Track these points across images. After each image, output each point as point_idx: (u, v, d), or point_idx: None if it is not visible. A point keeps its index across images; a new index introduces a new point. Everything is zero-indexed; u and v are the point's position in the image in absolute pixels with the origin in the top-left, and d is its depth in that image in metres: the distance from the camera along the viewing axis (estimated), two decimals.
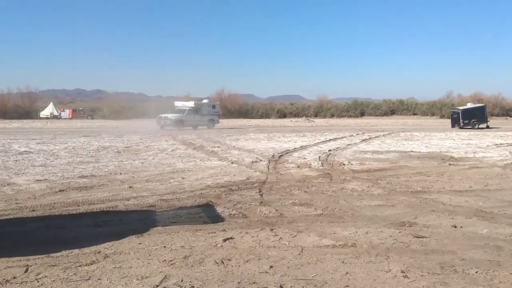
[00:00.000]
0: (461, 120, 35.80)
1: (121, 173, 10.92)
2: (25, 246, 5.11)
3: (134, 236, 5.54)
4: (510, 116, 65.90)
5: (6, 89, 72.42)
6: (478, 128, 35.55)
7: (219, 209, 7.03)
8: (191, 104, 36.93)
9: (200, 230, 5.82)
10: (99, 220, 6.36)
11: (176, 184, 9.47)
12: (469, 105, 39.90)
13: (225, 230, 5.82)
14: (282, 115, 74.09)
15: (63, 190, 8.68)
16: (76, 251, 4.94)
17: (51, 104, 70.24)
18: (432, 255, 4.75)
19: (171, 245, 5.19)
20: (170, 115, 34.90)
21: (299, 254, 4.86)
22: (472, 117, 36.20)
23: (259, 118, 67.33)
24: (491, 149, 17.70)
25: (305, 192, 8.61)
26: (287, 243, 5.26)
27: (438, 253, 4.82)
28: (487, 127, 36.70)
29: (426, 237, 5.43)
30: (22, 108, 69.23)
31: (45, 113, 67.24)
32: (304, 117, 67.34)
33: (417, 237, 5.43)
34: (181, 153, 15.67)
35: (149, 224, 6.13)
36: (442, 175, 10.92)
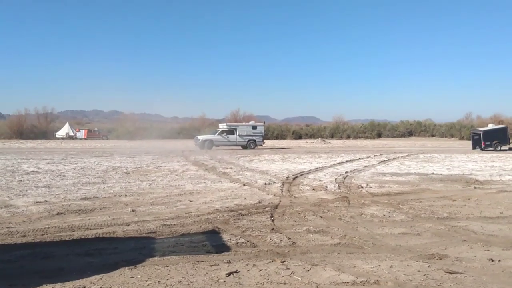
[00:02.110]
0: (482, 142, 34.65)
1: (126, 195, 10.38)
2: (2, 278, 4.53)
3: (127, 268, 4.92)
4: None
5: (24, 109, 73.44)
6: (501, 150, 34.37)
7: (225, 237, 6.39)
8: (224, 126, 37.16)
9: (201, 261, 5.18)
10: (92, 248, 5.77)
11: (183, 207, 8.87)
12: (491, 126, 38.72)
13: (230, 262, 5.17)
14: (298, 136, 73.47)
15: (61, 213, 8.14)
16: (58, 285, 4.34)
17: (67, 125, 70.82)
18: None
19: (167, 280, 4.55)
20: (201, 137, 35.56)
21: None
22: (494, 138, 35.04)
23: (274, 139, 66.74)
24: None
25: (321, 217, 7.92)
26: (299, 279, 4.58)
27: None
28: (510, 149, 35.48)
29: (461, 273, 4.70)
30: (38, 129, 69.91)
31: (60, 133, 67.72)
32: (320, 138, 66.61)
33: (449, 272, 4.70)
34: (192, 175, 15.11)
35: (146, 253, 5.52)
36: (469, 199, 10.14)
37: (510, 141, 36.80)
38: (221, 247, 5.83)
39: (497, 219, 7.83)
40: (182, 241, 6.14)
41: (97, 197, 10.02)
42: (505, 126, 40.29)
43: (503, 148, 34.88)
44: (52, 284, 4.35)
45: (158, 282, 4.48)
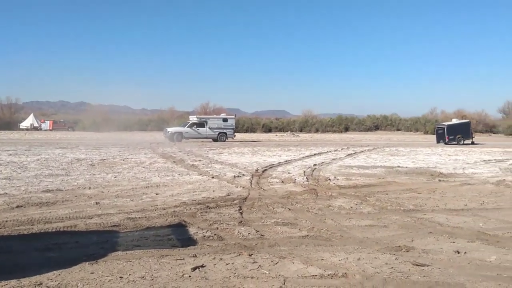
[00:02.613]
0: (446, 136, 35.46)
1: (90, 188, 10.07)
2: None
3: (87, 263, 4.72)
4: (494, 133, 66.16)
5: None
6: (464, 144, 35.28)
7: (191, 230, 6.24)
8: (194, 118, 36.63)
9: (166, 255, 5.03)
10: (51, 242, 5.53)
11: (148, 200, 8.66)
12: (454, 121, 39.64)
13: (196, 256, 5.04)
14: (268, 129, 73.49)
15: (21, 206, 7.80)
16: (13, 282, 4.11)
17: (31, 116, 68.62)
18: None
19: (129, 275, 4.38)
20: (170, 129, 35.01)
21: (280, 287, 4.11)
22: (457, 133, 35.91)
23: (244, 132, 66.55)
24: (479, 165, 17.22)
25: (289, 209, 7.87)
26: (267, 273, 4.50)
27: (443, 286, 4.10)
28: (472, 143, 36.46)
29: (428, 265, 4.71)
30: (1, 119, 67.39)
31: (25, 124, 65.56)
32: (289, 131, 66.86)
33: (417, 265, 4.71)
34: (159, 167, 14.82)
35: (108, 248, 5.32)
36: (434, 192, 10.31)
37: (473, 136, 37.84)
38: (187, 241, 5.69)
39: (462, 211, 7.96)
40: (146, 235, 5.96)
41: (59, 190, 9.67)
42: (468, 121, 41.41)
43: (466, 142, 35.81)
44: (6, 281, 4.12)
45: (120, 277, 4.31)
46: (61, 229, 6.24)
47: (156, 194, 9.41)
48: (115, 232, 6.14)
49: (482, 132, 64.17)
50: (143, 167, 14.58)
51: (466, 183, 11.80)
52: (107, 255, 5.01)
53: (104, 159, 17.18)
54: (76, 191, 9.54)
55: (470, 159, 20.09)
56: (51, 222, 6.64)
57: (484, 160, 19.58)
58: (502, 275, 4.43)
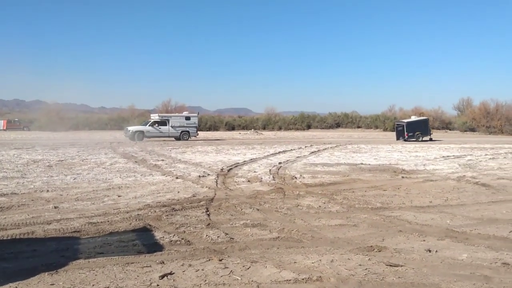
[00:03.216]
0: (405, 133, 36.31)
1: (48, 191, 9.58)
2: None
3: (46, 273, 4.40)
4: (450, 129, 68.42)
5: None
6: (422, 140, 36.20)
7: (158, 235, 5.98)
8: (155, 116, 35.79)
9: (132, 263, 4.76)
10: (6, 251, 5.14)
11: (110, 203, 8.29)
12: (413, 118, 40.64)
13: (163, 262, 4.79)
14: (231, 127, 73.19)
15: None
16: None
17: None
18: None
19: (92, 285, 4.10)
20: (131, 127, 34.05)
21: None
22: (416, 129, 36.82)
23: (207, 131, 66.00)
24: (439, 161, 17.64)
25: (258, 210, 7.72)
26: (239, 279, 4.31)
27: (419, 287, 4.04)
28: (430, 139, 37.48)
29: (401, 266, 4.66)
30: None
31: None
32: (252, 129, 66.80)
33: (390, 265, 4.65)
34: (121, 167, 14.35)
35: (69, 256, 4.99)
36: (398, 188, 10.42)
37: (431, 132, 38.91)
38: (153, 246, 5.42)
39: (428, 208, 8.04)
40: (110, 241, 5.65)
41: (15, 193, 9.15)
42: (426, 118, 42.53)
43: (424, 138, 36.77)
44: None
45: None
46: (17, 237, 5.85)
47: (118, 196, 9.05)
48: (76, 239, 5.80)
49: (439, 129, 66.27)
50: (104, 168, 14.08)
51: (428, 180, 12.00)
52: (68, 264, 4.70)
53: (62, 160, 16.51)
54: (32, 195, 9.05)
55: (430, 156, 20.57)
56: (5, 229, 6.22)
57: (443, 156, 20.09)
58: (475, 273, 4.42)
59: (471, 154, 21.42)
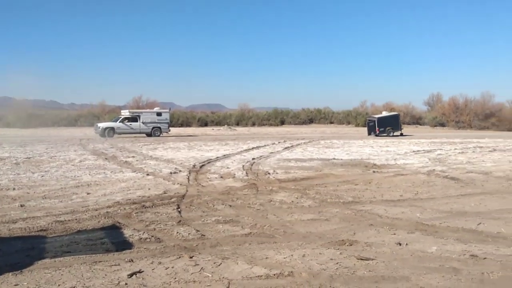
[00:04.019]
0: (377, 128, 36.82)
1: (14, 189, 9.29)
2: None
3: (11, 273, 4.25)
4: (420, 124, 69.69)
5: None
6: (393, 135, 36.81)
7: (127, 232, 5.84)
8: (126, 113, 35.28)
9: (100, 261, 4.63)
10: None
11: (79, 201, 8.09)
12: (384, 114, 41.23)
13: (132, 261, 4.68)
14: (204, 123, 72.67)
15: None
16: None
17: None
18: (384, 284, 3.99)
19: (59, 286, 3.97)
20: (101, 124, 33.51)
21: None
22: (387, 125, 37.40)
23: (179, 127, 65.42)
24: (410, 156, 17.93)
25: (230, 206, 7.65)
26: (210, 275, 4.25)
27: (390, 280, 4.06)
28: (401, 134, 38.15)
29: (372, 259, 4.68)
30: None
31: None
32: (226, 125, 66.57)
33: (361, 259, 4.66)
34: (90, 164, 14.04)
35: (34, 255, 4.83)
36: (370, 183, 10.52)
37: (402, 127, 39.60)
38: (122, 244, 5.30)
39: (398, 202, 8.13)
40: (77, 239, 5.50)
41: None
42: (397, 113, 43.28)
43: (395, 133, 37.41)
44: None
45: None
46: None
47: (87, 194, 8.83)
48: (42, 237, 5.62)
49: (410, 124, 67.43)
50: (73, 165, 13.74)
51: (399, 174, 12.17)
52: (34, 263, 4.54)
53: (30, 157, 16.05)
54: None
55: (400, 150, 20.89)
56: None
57: (413, 151, 20.44)
58: (444, 266, 4.48)
59: (440, 149, 21.87)
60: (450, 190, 9.55)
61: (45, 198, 8.36)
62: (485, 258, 4.76)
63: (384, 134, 36.62)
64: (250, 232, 5.89)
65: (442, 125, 67.21)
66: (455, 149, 21.86)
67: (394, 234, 5.80)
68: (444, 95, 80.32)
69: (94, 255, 4.86)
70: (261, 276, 4.23)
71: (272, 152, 19.51)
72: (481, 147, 23.39)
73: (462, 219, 6.73)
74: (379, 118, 37.98)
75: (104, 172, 12.06)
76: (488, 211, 7.36)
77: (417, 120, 71.58)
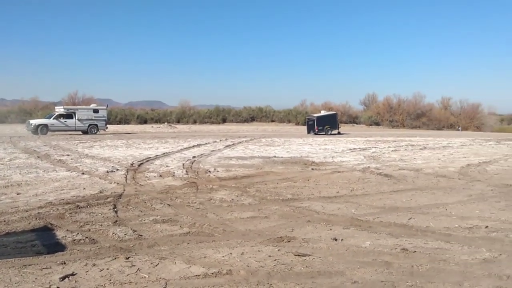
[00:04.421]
0: (316, 127, 37.71)
1: None
2: None
3: None
4: (356, 123, 72.21)
5: None
6: (331, 134, 37.81)
7: (59, 234, 5.61)
8: (60, 109, 33.69)
9: (30, 265, 4.41)
10: None
11: (8, 201, 7.65)
12: (323, 113, 42.23)
13: (64, 263, 4.50)
14: (143, 120, 71.10)
15: None
16: None
17: None
18: (320, 279, 4.09)
19: None
20: (33, 121, 31.87)
21: None
22: (326, 123, 38.39)
23: (117, 124, 63.63)
24: (346, 154, 18.52)
25: (169, 205, 7.54)
26: (147, 276, 4.17)
27: (325, 276, 4.18)
28: (339, 133, 39.30)
29: (309, 255, 4.79)
30: None
31: None
32: (166, 123, 65.52)
33: (299, 255, 4.76)
34: (21, 163, 13.32)
35: None
36: (308, 180, 10.75)
37: (339, 126, 40.79)
38: (54, 246, 5.08)
39: (335, 198, 8.38)
40: (6, 242, 5.21)
41: None
42: (335, 112, 44.53)
43: (333, 132, 38.45)
44: None
45: None
46: None
47: (18, 194, 8.38)
48: None
49: (347, 123, 69.67)
50: (2, 164, 12.98)
51: (336, 171, 12.53)
52: None
53: None
54: None
55: (338, 148, 21.52)
56: None
57: (350, 149, 21.12)
58: (377, 260, 4.67)
59: (375, 147, 22.75)
60: (384, 186, 9.97)
61: None
62: (414, 252, 5.01)
63: (323, 133, 37.55)
64: (189, 231, 5.84)
65: (377, 124, 69.96)
66: (389, 147, 22.83)
67: (331, 229, 5.97)
68: (379, 95, 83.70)
69: (23, 258, 4.62)
70: (199, 275, 4.21)
71: (213, 150, 19.44)
72: (413, 145, 24.60)
73: (394, 214, 7.04)
74: (318, 117, 38.88)
75: (36, 171, 11.49)
76: (418, 206, 7.76)
77: (353, 119, 74.03)
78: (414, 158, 16.75)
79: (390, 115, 69.75)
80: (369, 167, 13.52)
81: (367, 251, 5.00)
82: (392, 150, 20.64)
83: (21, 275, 4.18)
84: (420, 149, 21.87)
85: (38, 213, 6.75)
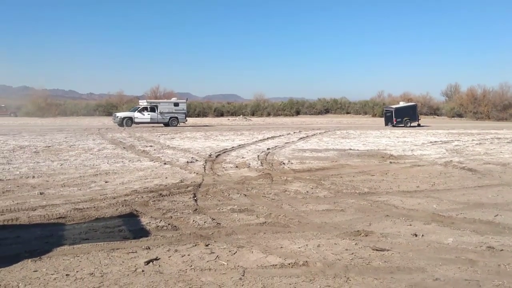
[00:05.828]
0: (394, 119, 36.51)
1: (34, 177, 9.47)
2: None
3: (30, 260, 4.35)
4: (437, 115, 68.90)
5: None
6: (410, 126, 36.43)
7: (144, 220, 5.94)
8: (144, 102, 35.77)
9: (117, 249, 4.72)
10: None
11: (97, 189, 8.22)
12: (402, 104, 40.81)
13: (149, 248, 4.76)
14: (220, 113, 72.90)
15: None
16: None
17: None
18: (399, 274, 3.99)
19: (77, 272, 4.06)
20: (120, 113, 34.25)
21: (240, 278, 3.93)
22: (405, 115, 37.03)
23: (196, 117, 65.72)
24: (427, 147, 17.75)
25: (245, 195, 7.70)
26: (225, 264, 4.30)
27: (405, 271, 4.06)
28: (419, 125, 37.76)
29: (387, 250, 4.68)
30: None
31: None
32: (241, 115, 66.63)
33: (377, 250, 4.67)
34: (108, 153, 14.23)
35: (53, 242, 4.93)
36: (386, 174, 10.45)
37: (419, 118, 39.13)
38: (139, 232, 5.39)
39: (415, 193, 8.08)
40: (95, 227, 5.60)
41: (0, 180, 9.02)
42: (414, 103, 42.73)
43: (412, 124, 37.01)
44: None
45: (66, 275, 3.98)
46: (1, 223, 5.77)
47: (106, 182, 8.97)
48: (61, 225, 5.73)
49: (427, 115, 66.65)
50: (91, 154, 13.94)
51: (416, 165, 12.07)
52: (52, 250, 4.64)
53: (49, 146, 16.32)
54: (18, 181, 8.94)
55: (417, 141, 20.69)
56: None
57: (430, 142, 20.23)
58: (460, 257, 4.46)
59: (458, 140, 21.60)
60: (467, 181, 9.45)
61: (64, 186, 8.50)
62: (502, 250, 4.72)
63: (401, 125, 36.27)
64: (265, 222, 5.92)
65: (460, 116, 66.21)
66: (473, 140, 21.57)
67: (410, 225, 5.78)
68: (462, 85, 79.21)
69: (111, 242, 4.95)
70: (276, 265, 4.26)
71: (287, 142, 19.50)
72: (499, 138, 23.04)
73: (479, 210, 6.67)
74: (396, 109, 37.60)
75: (122, 161, 12.22)
76: (506, 202, 7.28)
77: (434, 111, 70.68)
78: (501, 152, 15.68)
79: (474, 107, 65.58)
80: (451, 161, 12.86)
81: (450, 248, 4.78)
82: (477, 143, 19.47)
83: (109, 258, 4.47)
84: (507, 142, 20.42)
85: (125, 200, 7.18)
